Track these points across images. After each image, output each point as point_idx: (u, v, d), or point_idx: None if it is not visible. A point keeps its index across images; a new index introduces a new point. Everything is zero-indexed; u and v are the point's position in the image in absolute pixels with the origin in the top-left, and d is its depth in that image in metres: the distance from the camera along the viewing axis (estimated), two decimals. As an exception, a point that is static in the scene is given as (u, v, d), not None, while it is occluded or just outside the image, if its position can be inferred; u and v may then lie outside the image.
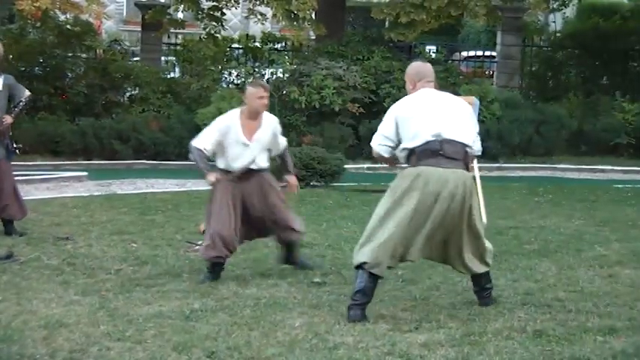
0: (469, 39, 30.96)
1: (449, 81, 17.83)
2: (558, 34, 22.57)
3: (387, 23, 20.95)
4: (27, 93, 9.31)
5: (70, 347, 5.45)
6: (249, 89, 7.38)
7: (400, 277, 7.33)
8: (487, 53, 24.10)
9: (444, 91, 6.49)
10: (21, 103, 9.19)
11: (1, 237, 8.98)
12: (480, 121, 15.45)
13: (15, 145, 9.27)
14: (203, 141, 7.20)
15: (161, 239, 8.97)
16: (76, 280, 7.18)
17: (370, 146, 6.42)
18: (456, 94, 15.38)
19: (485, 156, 16.39)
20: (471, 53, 25.87)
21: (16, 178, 9.52)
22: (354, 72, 17.20)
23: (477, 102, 10.80)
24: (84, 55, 18.38)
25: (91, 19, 18.30)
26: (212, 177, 7.16)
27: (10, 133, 9.22)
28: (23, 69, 17.20)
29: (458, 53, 26.08)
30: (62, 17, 18.10)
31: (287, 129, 16.77)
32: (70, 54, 18.07)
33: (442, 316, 6.15)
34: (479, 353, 5.39)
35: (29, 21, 17.38)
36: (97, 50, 18.64)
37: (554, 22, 24.65)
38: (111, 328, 5.83)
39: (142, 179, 14.19)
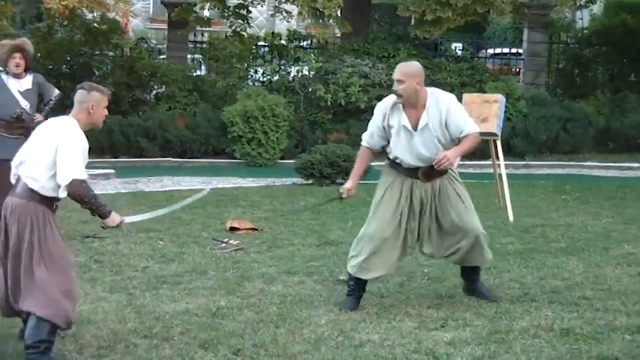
0: (495, 36, 30.80)
1: (475, 78, 17.73)
2: (585, 31, 22.39)
3: (412, 21, 20.84)
4: (57, 92, 9.39)
5: (98, 344, 5.49)
6: (97, 95, 5.61)
7: (426, 275, 7.32)
8: (513, 50, 23.94)
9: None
10: (51, 102, 9.26)
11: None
12: (507, 119, 15.55)
13: None
14: (82, 170, 5.28)
15: (187, 237, 9.00)
16: (104, 277, 7.23)
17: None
18: (483, 91, 15.48)
19: (512, 153, 16.42)
20: (497, 50, 25.70)
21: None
22: (380, 69, 17.15)
23: (503, 99, 10.78)
24: (111, 54, 18.42)
25: (117, 18, 18.33)
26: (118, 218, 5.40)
27: None
28: (51, 67, 17.26)
29: (484, 50, 25.97)
30: (89, 15, 18.15)
31: (312, 127, 16.87)
32: (97, 52, 18.12)
33: (468, 314, 6.14)
34: (505, 351, 5.37)
35: (56, 19, 17.44)
36: (124, 48, 18.65)
37: (581, 18, 24.48)
38: (138, 325, 5.88)
39: (169, 177, 14.24)
